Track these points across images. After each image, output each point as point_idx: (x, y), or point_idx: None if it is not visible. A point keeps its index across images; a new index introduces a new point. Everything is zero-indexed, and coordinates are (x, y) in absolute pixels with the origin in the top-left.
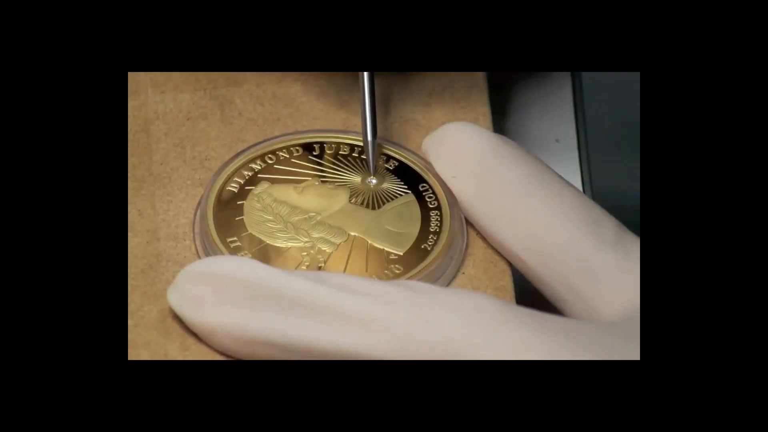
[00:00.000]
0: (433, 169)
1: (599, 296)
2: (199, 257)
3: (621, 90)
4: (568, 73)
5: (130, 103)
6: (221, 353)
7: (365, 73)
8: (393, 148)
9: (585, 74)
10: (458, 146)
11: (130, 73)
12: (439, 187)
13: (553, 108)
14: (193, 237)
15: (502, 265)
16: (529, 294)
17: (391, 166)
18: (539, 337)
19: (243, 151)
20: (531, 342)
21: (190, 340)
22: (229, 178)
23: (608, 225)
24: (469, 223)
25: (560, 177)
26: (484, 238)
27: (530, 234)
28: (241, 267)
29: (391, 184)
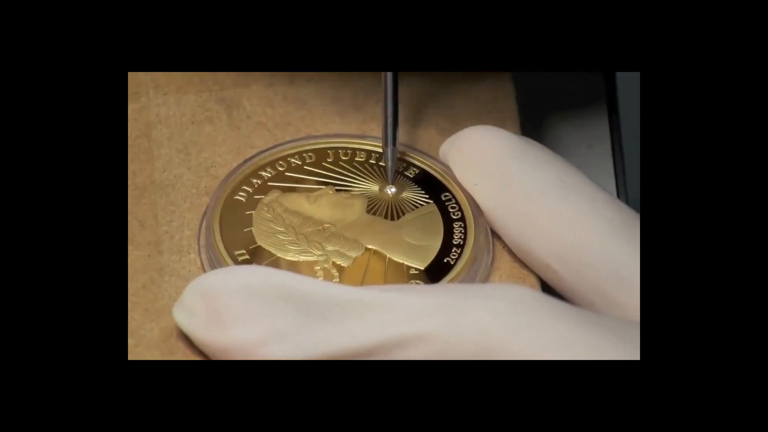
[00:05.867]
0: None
1: (635, 304)
2: (205, 271)
3: None
4: (601, 74)
5: (131, 106)
6: None
7: (389, 74)
8: (413, 154)
9: (620, 75)
10: (479, 151)
11: (130, 74)
12: (462, 196)
13: (585, 111)
14: (198, 250)
15: (531, 280)
16: None
17: (411, 173)
18: (582, 329)
19: (252, 157)
20: (573, 334)
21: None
22: (237, 187)
23: None
24: (495, 236)
25: (590, 180)
26: (511, 252)
27: (560, 241)
28: (256, 276)
29: (412, 194)
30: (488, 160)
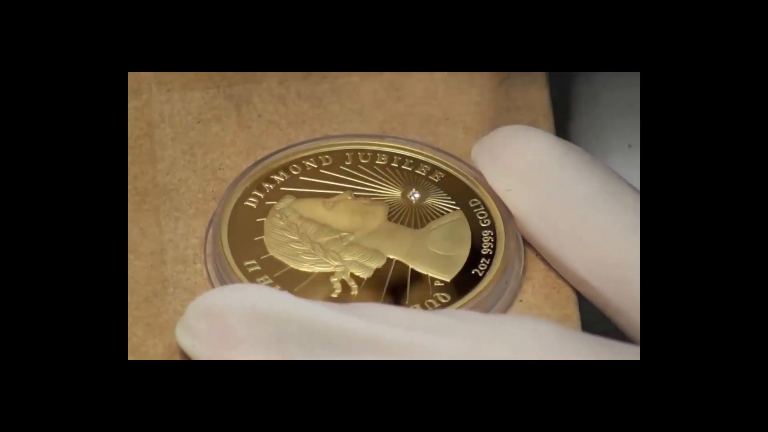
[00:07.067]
0: (485, 180)
1: None
2: (212, 283)
3: None
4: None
5: (131, 104)
6: None
7: None
8: (438, 156)
9: None
10: (515, 153)
11: None
12: (492, 202)
13: (624, 108)
14: (205, 260)
15: (567, 291)
16: (598, 324)
17: (436, 177)
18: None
19: (263, 159)
20: None
21: None
22: (248, 192)
23: None
24: (527, 244)
25: (635, 189)
26: (544, 260)
27: (601, 256)
28: (263, 298)
29: (437, 200)
30: (525, 164)
